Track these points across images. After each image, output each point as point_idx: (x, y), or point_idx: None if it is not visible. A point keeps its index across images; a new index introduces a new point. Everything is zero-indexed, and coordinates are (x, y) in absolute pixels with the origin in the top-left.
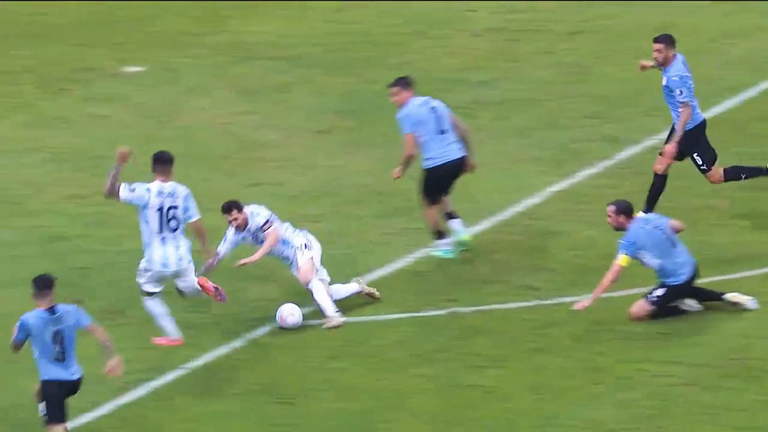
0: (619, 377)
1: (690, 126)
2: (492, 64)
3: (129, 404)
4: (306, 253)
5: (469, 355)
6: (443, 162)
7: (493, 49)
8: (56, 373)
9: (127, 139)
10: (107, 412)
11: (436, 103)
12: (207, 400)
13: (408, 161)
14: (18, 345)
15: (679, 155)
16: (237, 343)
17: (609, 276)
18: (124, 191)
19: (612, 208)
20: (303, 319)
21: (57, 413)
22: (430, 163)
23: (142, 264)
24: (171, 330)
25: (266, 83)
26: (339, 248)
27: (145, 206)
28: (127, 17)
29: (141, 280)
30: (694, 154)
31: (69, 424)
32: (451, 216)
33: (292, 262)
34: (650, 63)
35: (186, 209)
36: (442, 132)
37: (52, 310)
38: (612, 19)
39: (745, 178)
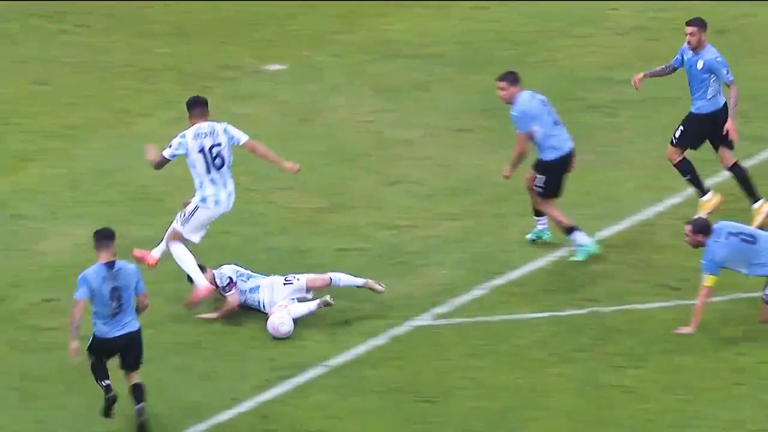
0: (761, 378)
1: (704, 111)
2: (634, 62)
3: (269, 401)
4: (287, 285)
5: (608, 355)
6: (564, 153)
7: (635, 47)
8: (106, 331)
9: (267, 138)
10: (247, 409)
11: (541, 95)
12: (347, 398)
13: (519, 159)
14: (80, 301)
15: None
16: (377, 341)
17: (700, 300)
18: (165, 151)
19: (689, 227)
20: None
21: (96, 366)
22: (551, 155)
23: (191, 205)
24: (198, 278)
25: (405, 81)
26: (478, 247)
27: (187, 153)
28: (269, 15)
29: (183, 226)
30: (680, 128)
31: (209, 422)
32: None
33: (266, 303)
34: (640, 76)
35: (231, 139)
36: (556, 123)
37: (111, 264)
38: (756, 18)
39: (687, 179)
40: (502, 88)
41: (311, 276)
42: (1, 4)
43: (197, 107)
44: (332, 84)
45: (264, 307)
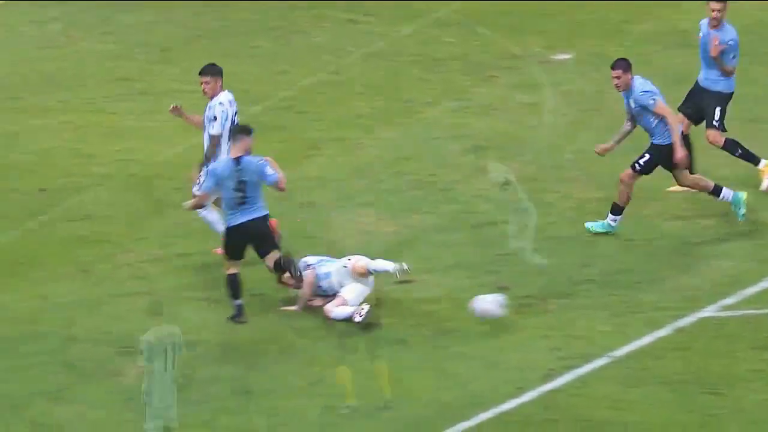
0: None
1: (729, 90)
2: None
3: (554, 390)
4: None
5: None
6: (670, 141)
7: None
8: (235, 219)
9: (553, 127)
10: (532, 398)
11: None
12: (631, 388)
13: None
14: (206, 193)
15: (699, 115)
16: (662, 332)
17: None
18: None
19: None
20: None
21: (230, 252)
22: (663, 142)
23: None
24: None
25: (695, 71)
26: (767, 238)
27: (233, 119)
28: (557, 5)
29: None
30: (717, 108)
31: (494, 410)
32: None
33: (336, 286)
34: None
35: None
36: None
37: (238, 160)
38: None
39: (739, 156)
40: (617, 76)
41: (357, 263)
42: None
43: (222, 75)
44: None
45: (336, 289)
